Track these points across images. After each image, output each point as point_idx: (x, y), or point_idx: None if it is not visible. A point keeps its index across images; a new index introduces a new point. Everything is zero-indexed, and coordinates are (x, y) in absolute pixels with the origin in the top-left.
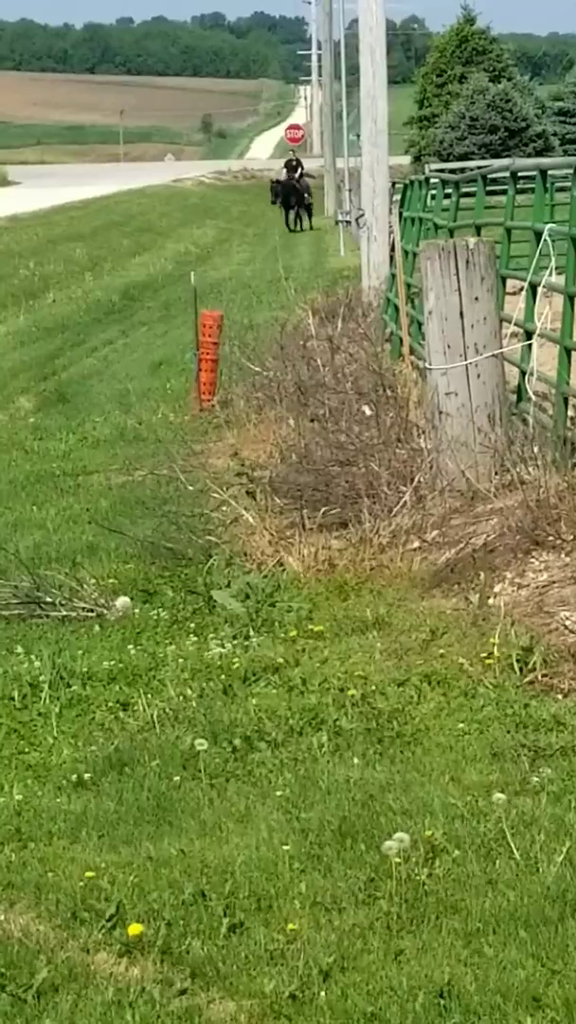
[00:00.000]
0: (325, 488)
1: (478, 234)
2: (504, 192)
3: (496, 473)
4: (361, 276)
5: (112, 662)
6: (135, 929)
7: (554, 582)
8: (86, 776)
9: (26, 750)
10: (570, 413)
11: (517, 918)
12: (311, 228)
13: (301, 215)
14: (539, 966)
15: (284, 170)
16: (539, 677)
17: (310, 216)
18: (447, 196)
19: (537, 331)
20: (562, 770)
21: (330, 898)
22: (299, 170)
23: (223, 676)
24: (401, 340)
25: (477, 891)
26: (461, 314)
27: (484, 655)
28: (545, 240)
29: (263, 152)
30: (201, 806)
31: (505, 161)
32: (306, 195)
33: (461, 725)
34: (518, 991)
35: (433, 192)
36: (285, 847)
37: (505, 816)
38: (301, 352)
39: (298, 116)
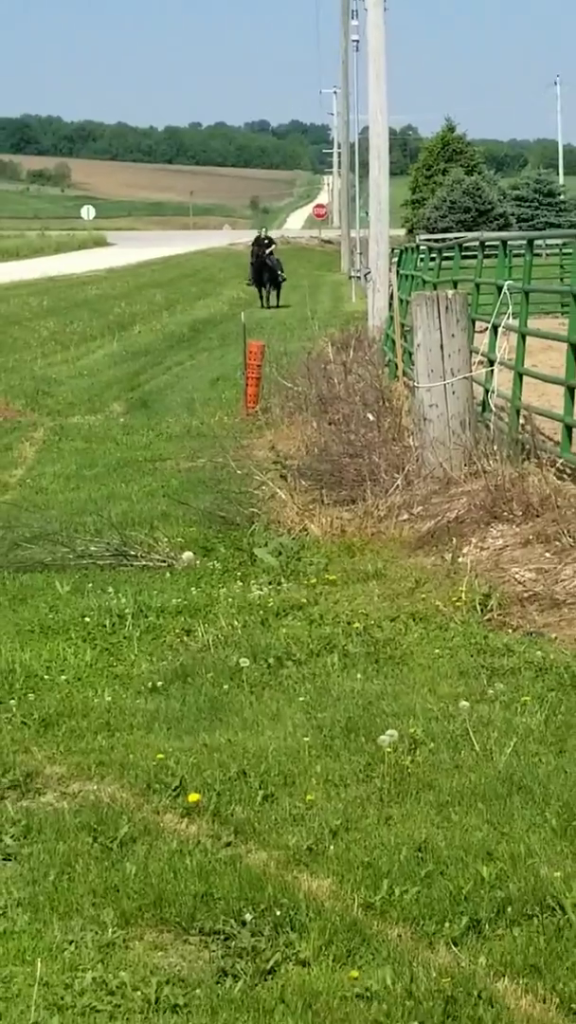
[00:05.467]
0: (338, 474)
1: (455, 287)
2: (474, 257)
3: (465, 465)
4: (367, 317)
5: (179, 600)
6: (193, 797)
7: (507, 546)
8: (158, 684)
9: (114, 664)
10: (520, 421)
11: (476, 794)
12: (277, 306)
13: (270, 292)
14: (492, 829)
15: (254, 246)
16: (495, 616)
17: (278, 293)
18: (432, 259)
19: (497, 360)
20: (511, 685)
21: (338, 777)
22: (270, 247)
23: (261, 612)
24: (396, 365)
25: (447, 774)
26: (441, 347)
27: (455, 599)
28: (504, 293)
29: (296, 224)
30: (243, 708)
31: (475, 234)
32: (279, 273)
33: (437, 651)
34: (476, 847)
35: (422, 256)
36: (305, 739)
37: (468, 718)
38: (322, 373)
39: (323, 198)
